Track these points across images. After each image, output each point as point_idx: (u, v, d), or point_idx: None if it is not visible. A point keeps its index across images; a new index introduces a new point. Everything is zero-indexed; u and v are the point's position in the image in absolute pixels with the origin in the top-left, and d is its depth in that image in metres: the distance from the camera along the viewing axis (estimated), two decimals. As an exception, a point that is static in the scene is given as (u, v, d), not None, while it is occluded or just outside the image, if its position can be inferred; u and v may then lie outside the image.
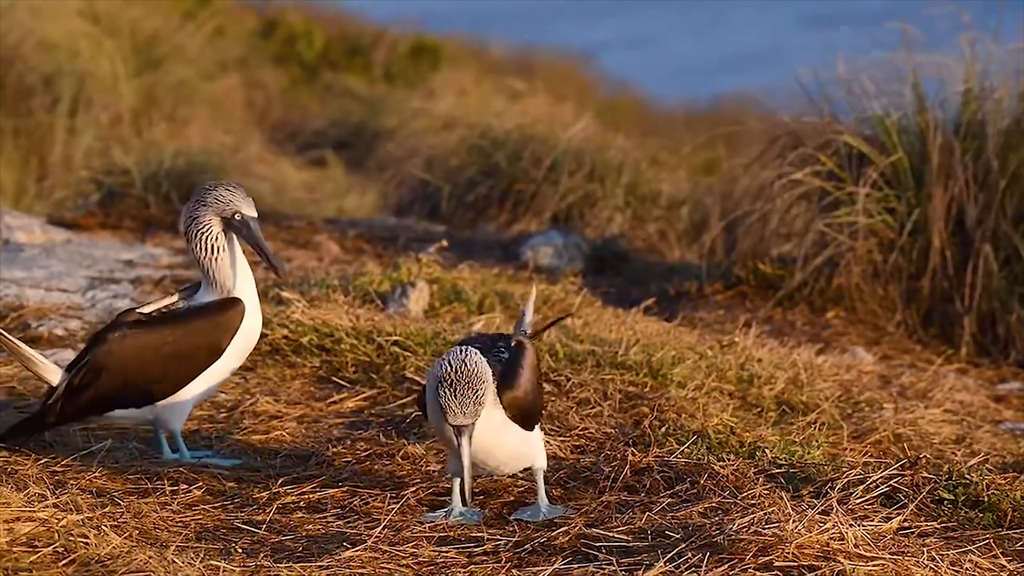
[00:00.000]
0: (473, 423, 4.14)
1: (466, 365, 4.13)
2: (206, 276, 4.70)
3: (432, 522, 4.27)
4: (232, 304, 4.70)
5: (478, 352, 4.18)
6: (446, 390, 4.12)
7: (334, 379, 5.66)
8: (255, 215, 4.69)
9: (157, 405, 4.74)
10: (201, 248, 4.66)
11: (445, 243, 7.77)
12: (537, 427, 4.37)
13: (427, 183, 10.62)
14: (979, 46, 8.06)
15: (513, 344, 4.35)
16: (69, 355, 5.91)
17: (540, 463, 4.39)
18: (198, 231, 4.66)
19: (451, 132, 10.96)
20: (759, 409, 5.66)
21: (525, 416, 4.29)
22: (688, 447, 4.72)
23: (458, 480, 4.33)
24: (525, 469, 4.41)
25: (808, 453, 4.86)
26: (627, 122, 14.59)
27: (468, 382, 4.12)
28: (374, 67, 18.59)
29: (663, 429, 5.02)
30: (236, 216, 4.65)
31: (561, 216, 10.12)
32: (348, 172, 13.16)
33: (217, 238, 4.65)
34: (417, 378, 5.56)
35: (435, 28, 20.15)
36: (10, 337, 4.72)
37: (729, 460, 4.58)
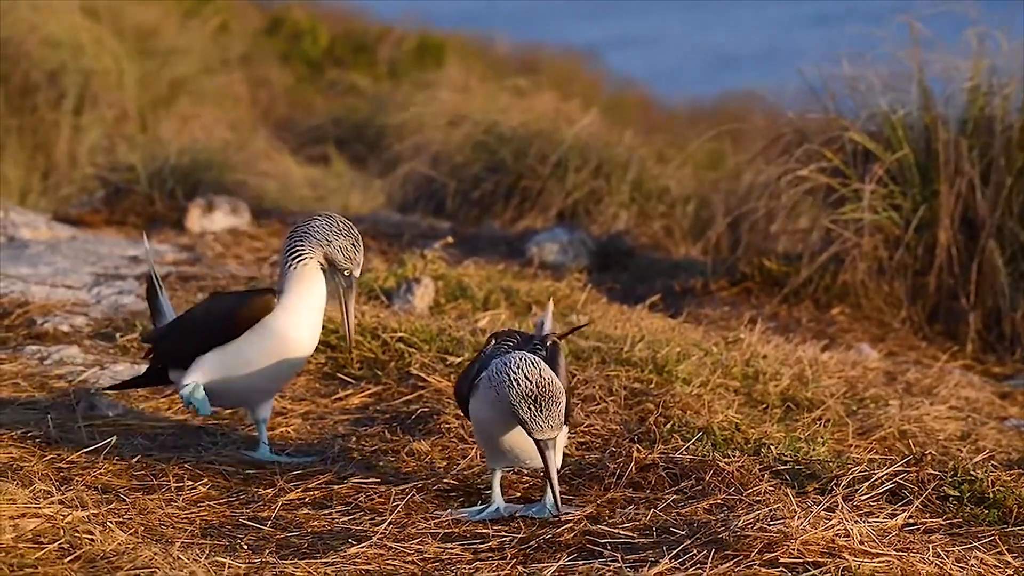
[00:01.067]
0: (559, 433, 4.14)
1: (544, 379, 4.08)
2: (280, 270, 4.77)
3: (465, 518, 4.27)
4: (260, 293, 4.75)
5: (540, 360, 4.16)
6: (531, 407, 4.08)
7: (339, 375, 5.66)
8: (358, 275, 4.74)
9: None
10: (288, 253, 4.72)
11: (450, 239, 7.77)
12: (565, 427, 4.37)
13: (432, 180, 10.62)
14: (987, 42, 8.05)
15: (549, 343, 4.35)
16: (75, 351, 5.92)
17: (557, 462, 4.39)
18: (298, 248, 4.70)
19: (456, 129, 10.95)
20: (764, 406, 5.66)
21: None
22: (693, 444, 4.72)
23: (498, 476, 4.35)
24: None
25: (813, 450, 4.86)
26: (632, 119, 14.59)
27: (553, 396, 4.09)
28: (379, 64, 18.59)
29: (668, 426, 5.02)
30: (346, 272, 4.70)
31: (567, 213, 10.12)
32: (353, 169, 13.16)
33: (307, 260, 4.69)
34: (422, 374, 5.56)
35: (440, 26, 20.14)
36: (159, 279, 5.00)
37: (734, 457, 4.58)
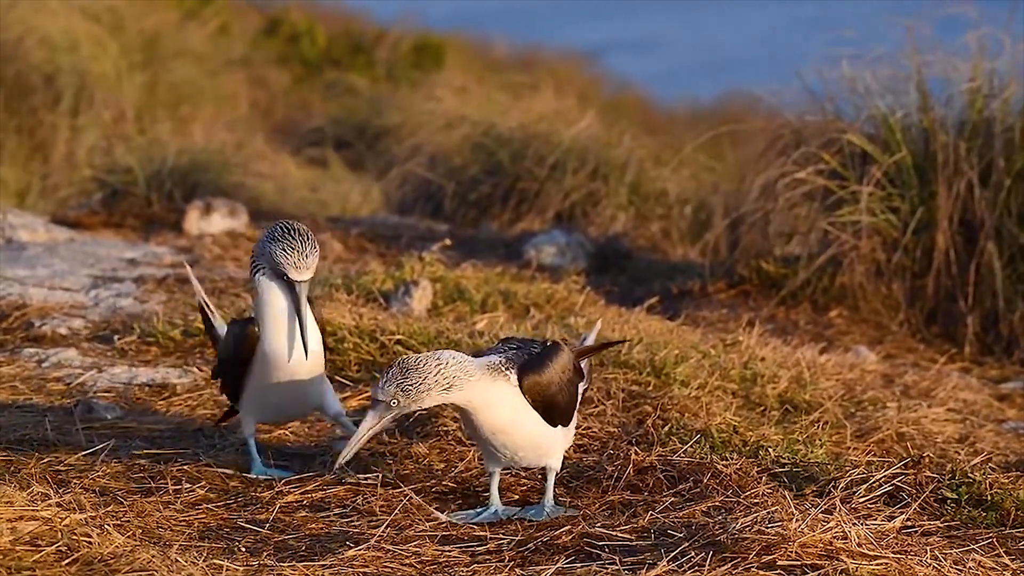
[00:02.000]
0: (388, 405, 4.13)
1: (404, 365, 4.11)
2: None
3: (463, 521, 4.27)
4: (242, 327, 4.65)
5: (453, 355, 4.15)
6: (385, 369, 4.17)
7: (337, 378, 5.65)
8: (304, 279, 4.50)
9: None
10: (250, 273, 4.63)
11: (448, 242, 7.77)
12: (564, 429, 4.36)
13: (430, 182, 10.62)
14: (987, 44, 8.04)
15: (549, 343, 4.36)
16: (72, 354, 5.92)
17: (554, 463, 4.38)
18: (252, 261, 4.60)
19: (454, 130, 10.95)
20: (762, 408, 5.66)
21: (547, 406, 4.27)
22: (691, 446, 4.71)
23: (496, 479, 4.35)
24: (542, 468, 4.41)
25: (811, 452, 4.86)
26: (630, 121, 14.58)
27: (402, 369, 4.11)
28: (377, 65, 18.57)
29: (666, 428, 5.02)
30: (285, 277, 4.53)
31: (564, 215, 10.11)
32: (351, 170, 13.16)
33: (263, 274, 4.57)
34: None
35: (438, 27, 20.13)
36: (210, 306, 4.85)
37: (732, 459, 4.57)
